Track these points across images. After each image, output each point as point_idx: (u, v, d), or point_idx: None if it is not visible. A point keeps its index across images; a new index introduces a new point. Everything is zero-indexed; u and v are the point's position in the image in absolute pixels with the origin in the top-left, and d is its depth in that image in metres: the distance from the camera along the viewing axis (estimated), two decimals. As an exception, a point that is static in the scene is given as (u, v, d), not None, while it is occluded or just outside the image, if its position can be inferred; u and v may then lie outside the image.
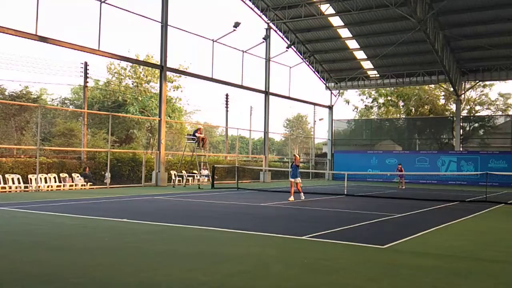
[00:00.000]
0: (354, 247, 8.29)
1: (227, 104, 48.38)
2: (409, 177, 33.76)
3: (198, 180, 27.68)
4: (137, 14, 24.90)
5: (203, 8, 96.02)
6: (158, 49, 26.16)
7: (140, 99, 43.79)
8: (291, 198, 17.21)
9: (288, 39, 35.79)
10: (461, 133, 38.79)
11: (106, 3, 23.08)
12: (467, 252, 8.35)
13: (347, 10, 31.05)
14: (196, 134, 25.88)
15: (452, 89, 38.11)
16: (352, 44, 36.41)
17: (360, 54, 37.76)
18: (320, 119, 55.87)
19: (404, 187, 29.02)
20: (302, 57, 37.83)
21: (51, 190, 21.42)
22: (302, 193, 17.69)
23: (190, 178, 28.19)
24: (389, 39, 34.03)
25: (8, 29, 19.20)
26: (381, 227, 11.12)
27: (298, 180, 17.63)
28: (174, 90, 45.12)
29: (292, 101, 38.83)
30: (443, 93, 49.28)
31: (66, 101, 48.30)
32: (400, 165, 30.37)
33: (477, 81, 40.24)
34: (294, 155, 18.32)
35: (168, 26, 25.88)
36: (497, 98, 50.23)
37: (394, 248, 8.23)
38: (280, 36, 35.57)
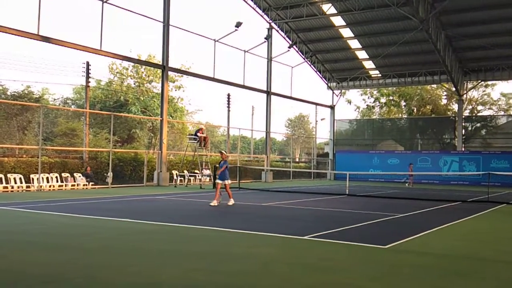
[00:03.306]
0: (356, 247, 8.28)
1: (228, 104, 48.37)
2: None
3: (200, 180, 27.69)
4: (139, 14, 24.92)
5: (205, 8, 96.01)
6: (160, 49, 26.17)
7: (142, 99, 43.82)
8: (214, 203, 14.76)
9: (289, 39, 35.75)
10: (463, 133, 38.71)
11: (108, 3, 23.07)
12: (469, 252, 8.34)
13: (348, 10, 31.02)
14: (198, 134, 25.90)
15: (454, 89, 38.02)
16: (354, 44, 36.38)
17: (362, 54, 37.72)
18: (322, 119, 55.84)
19: (411, 186, 30.16)
20: (303, 57, 37.79)
21: (53, 190, 21.44)
22: (231, 198, 15.23)
23: (191, 178, 28.19)
24: (391, 38, 33.99)
25: (10, 29, 19.23)
26: (383, 227, 11.11)
27: (227, 181, 15.23)
28: (176, 90, 45.17)
29: (294, 101, 38.81)
30: (445, 93, 49.20)
31: (68, 101, 48.29)
32: (411, 165, 31.03)
33: (479, 81, 40.17)
34: (220, 152, 16.14)
35: (170, 26, 25.88)
36: (499, 98, 50.12)
37: (396, 248, 8.22)
38: (281, 36, 35.55)
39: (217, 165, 16.73)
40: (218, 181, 15.31)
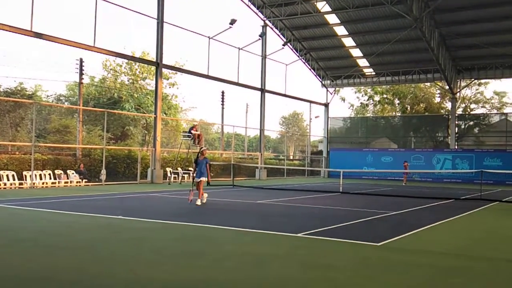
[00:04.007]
0: (349, 245, 8.31)
1: (223, 101, 48.35)
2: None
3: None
4: (133, 10, 24.82)
5: (199, 5, 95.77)
6: (154, 46, 26.09)
7: (136, 96, 43.67)
8: (199, 202, 14.22)
9: (284, 37, 35.75)
10: (456, 131, 38.89)
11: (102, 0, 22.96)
12: (461, 249, 8.39)
13: (343, 8, 31.06)
14: (192, 131, 25.83)
15: (447, 87, 38.19)
16: (348, 41, 36.42)
17: (356, 52, 37.78)
18: (316, 117, 55.82)
19: (404, 184, 30.45)
20: (298, 54, 37.80)
21: (46, 187, 21.35)
22: (203, 195, 14.61)
23: (185, 175, 28.15)
24: (385, 37, 34.06)
25: (3, 25, 19.08)
26: (376, 224, 11.15)
27: (203, 178, 14.55)
28: (170, 87, 45.02)
29: (288, 99, 38.82)
30: (438, 91, 49.39)
31: (61, 98, 48.08)
32: (405, 162, 31.11)
33: (473, 79, 40.35)
34: (201, 147, 14.95)
35: (164, 23, 25.80)
36: (492, 97, 50.38)
37: (389, 245, 8.26)
38: (276, 33, 35.53)
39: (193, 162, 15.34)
40: (203, 178, 14.47)
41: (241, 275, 6.10)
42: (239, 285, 5.67)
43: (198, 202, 14.10)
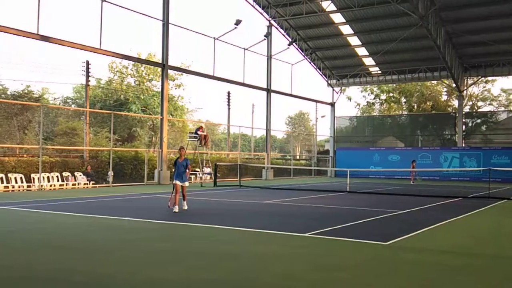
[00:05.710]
0: (357, 244, 8.29)
1: (228, 101, 48.40)
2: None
3: (201, 178, 27.70)
4: (138, 12, 24.90)
5: (204, 6, 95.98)
6: (159, 47, 26.16)
7: (142, 97, 43.81)
8: (176, 209, 12.38)
9: (289, 36, 35.72)
10: (464, 129, 38.69)
11: (107, 2, 23.05)
12: (470, 248, 8.35)
13: (348, 7, 31.00)
14: (198, 132, 25.94)
15: (454, 85, 38.01)
16: (354, 40, 36.34)
17: (361, 51, 37.68)
18: (322, 116, 55.86)
19: (412, 182, 30.29)
20: (303, 54, 37.75)
21: (53, 189, 21.46)
22: (186, 201, 13.17)
23: (192, 176, 28.20)
24: (391, 35, 33.95)
25: (10, 28, 19.22)
26: (384, 223, 11.12)
27: (187, 183, 13.06)
28: (176, 88, 45.14)
29: (294, 99, 38.79)
30: (445, 89, 49.17)
31: (68, 100, 48.35)
32: (413, 162, 31.00)
33: (480, 77, 40.14)
34: (182, 147, 13.68)
35: (170, 24, 25.87)
36: (500, 94, 50.12)
37: (397, 244, 8.23)
38: (281, 33, 35.51)
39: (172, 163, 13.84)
40: (186, 183, 13.00)
41: (247, 275, 6.10)
42: (245, 285, 5.68)
43: (176, 209, 12.35)
